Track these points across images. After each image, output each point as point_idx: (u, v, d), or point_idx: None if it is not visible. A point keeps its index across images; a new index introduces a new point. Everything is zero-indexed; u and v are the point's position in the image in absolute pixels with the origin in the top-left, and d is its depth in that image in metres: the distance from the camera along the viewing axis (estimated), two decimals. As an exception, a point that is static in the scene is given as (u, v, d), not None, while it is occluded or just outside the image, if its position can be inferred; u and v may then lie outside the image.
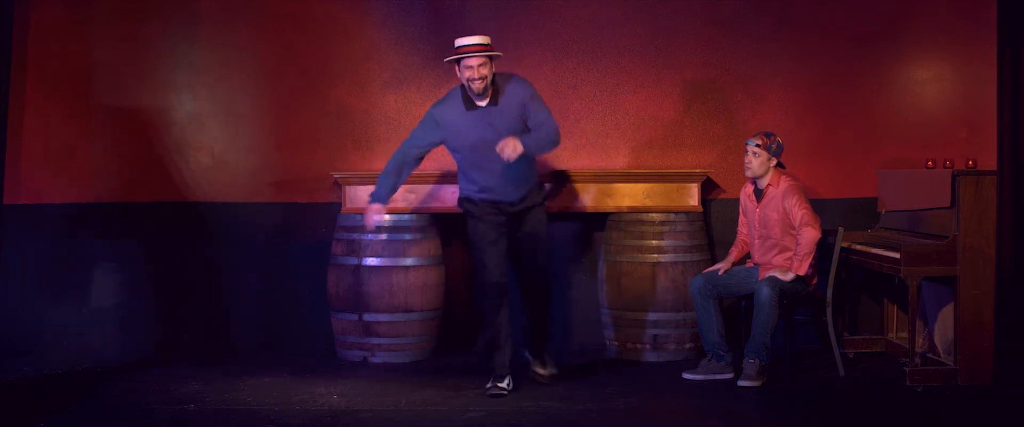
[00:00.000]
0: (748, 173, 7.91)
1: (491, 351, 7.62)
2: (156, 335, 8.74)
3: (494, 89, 7.48)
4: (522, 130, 7.47)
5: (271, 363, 8.33)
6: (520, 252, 7.75)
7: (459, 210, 8.62)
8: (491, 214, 7.59)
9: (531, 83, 7.62)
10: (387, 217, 8.45)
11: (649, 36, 8.98)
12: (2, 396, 7.52)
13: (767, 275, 7.73)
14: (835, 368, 7.96)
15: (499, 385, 7.50)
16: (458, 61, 7.40)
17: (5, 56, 8.05)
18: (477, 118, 7.47)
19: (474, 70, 7.36)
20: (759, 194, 7.94)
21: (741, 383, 7.64)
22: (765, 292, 7.62)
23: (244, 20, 8.91)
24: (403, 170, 7.68)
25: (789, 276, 7.68)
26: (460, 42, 7.40)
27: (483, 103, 7.47)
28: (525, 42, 8.97)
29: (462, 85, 7.50)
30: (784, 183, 7.85)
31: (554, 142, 7.50)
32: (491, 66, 7.42)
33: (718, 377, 7.82)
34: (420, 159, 7.72)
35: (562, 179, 8.64)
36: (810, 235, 7.69)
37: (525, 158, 7.40)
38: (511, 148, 7.22)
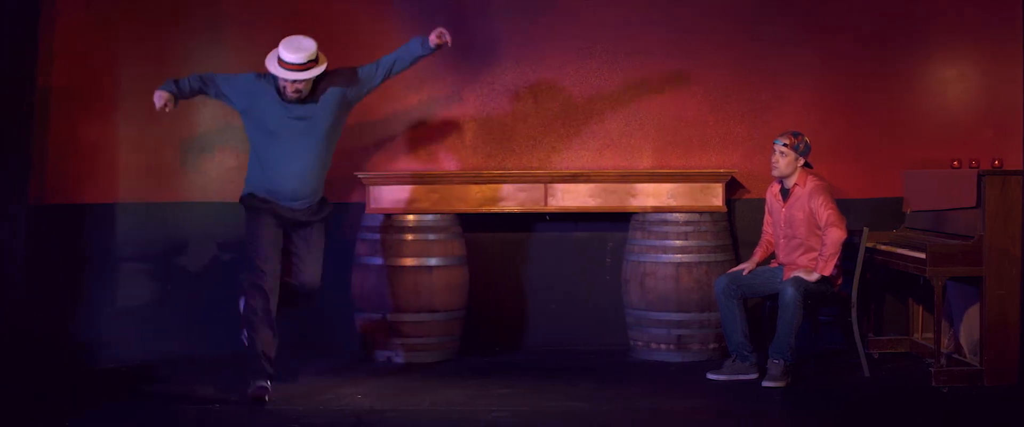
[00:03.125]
0: (775, 173, 7.90)
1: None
2: (182, 335, 8.76)
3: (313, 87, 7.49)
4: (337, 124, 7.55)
5: (296, 363, 8.34)
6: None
7: (483, 210, 8.65)
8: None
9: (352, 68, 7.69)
10: (411, 217, 8.47)
11: (673, 36, 8.97)
12: (30, 395, 7.56)
13: (792, 275, 7.71)
14: (860, 369, 7.93)
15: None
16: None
17: (31, 58, 8.09)
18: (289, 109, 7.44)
19: (290, 86, 7.36)
20: (785, 194, 7.93)
21: (766, 384, 7.63)
22: (790, 292, 7.60)
23: (267, 21, 8.92)
24: (193, 90, 7.55)
25: (814, 276, 7.67)
26: (285, 57, 7.31)
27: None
28: (549, 42, 8.97)
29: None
30: (811, 183, 7.83)
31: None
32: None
33: (742, 377, 7.81)
34: (202, 93, 7.60)
35: (586, 179, 8.64)
36: (836, 235, 7.67)
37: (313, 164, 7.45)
38: None
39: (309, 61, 7.33)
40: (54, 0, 8.35)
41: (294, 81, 7.31)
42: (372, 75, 7.70)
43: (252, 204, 7.46)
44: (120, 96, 8.70)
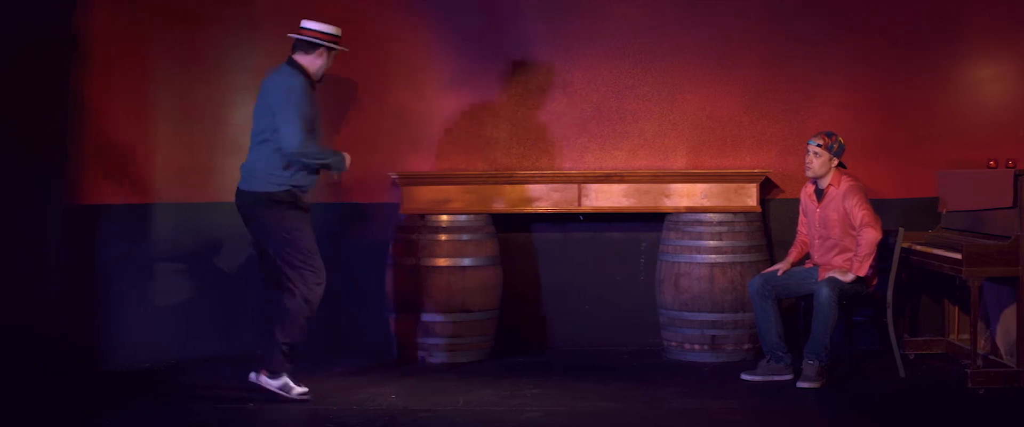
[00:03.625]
0: (809, 173, 7.87)
1: None
2: (217, 334, 8.80)
3: None
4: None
5: (330, 362, 8.37)
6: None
7: (517, 211, 8.66)
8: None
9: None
10: (444, 217, 8.49)
11: (707, 36, 8.95)
12: (67, 393, 7.61)
13: (827, 276, 7.68)
14: (895, 369, 7.89)
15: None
16: (329, 49, 7.44)
17: (66, 58, 8.14)
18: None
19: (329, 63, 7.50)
20: (820, 194, 7.90)
21: (800, 385, 7.60)
22: (825, 293, 7.57)
23: (299, 22, 8.94)
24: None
25: (849, 277, 7.64)
26: (330, 29, 7.46)
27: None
28: (581, 42, 8.96)
29: (300, 65, 7.45)
30: (845, 183, 7.80)
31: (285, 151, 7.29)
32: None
33: (777, 378, 7.78)
34: None
35: (619, 179, 8.63)
36: (871, 236, 7.64)
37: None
38: None
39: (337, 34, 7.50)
40: (88, 0, 8.39)
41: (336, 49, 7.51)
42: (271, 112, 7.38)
43: (294, 201, 7.43)
44: (154, 96, 8.73)
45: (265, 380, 7.33)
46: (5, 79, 7.62)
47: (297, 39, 7.46)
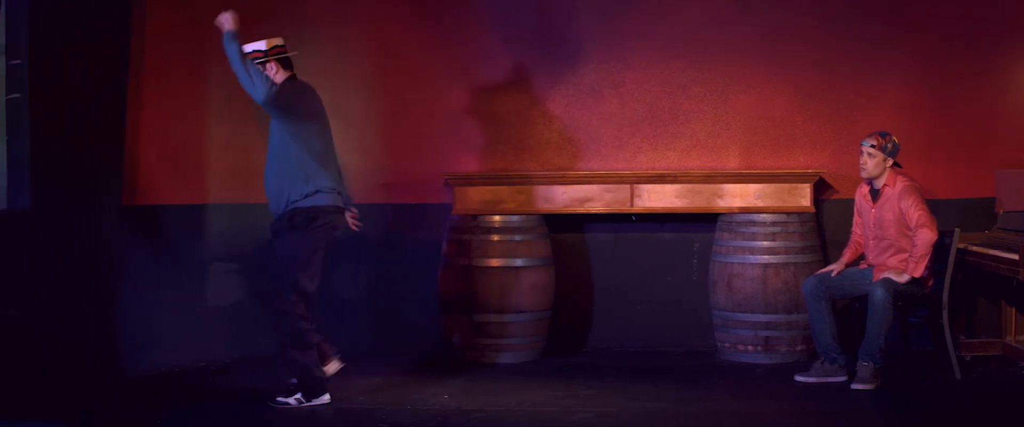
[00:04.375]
0: (863, 174, 7.82)
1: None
2: (270, 334, 8.83)
3: None
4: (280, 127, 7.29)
5: (383, 363, 8.40)
6: None
7: (569, 211, 8.66)
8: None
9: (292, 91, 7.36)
10: (497, 218, 8.50)
11: (759, 36, 8.91)
12: (121, 393, 7.67)
13: (882, 276, 7.62)
14: (951, 371, 7.82)
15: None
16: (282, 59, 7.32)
17: (123, 58, 8.20)
18: None
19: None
20: (875, 194, 7.84)
21: (855, 386, 7.55)
22: (880, 294, 7.52)
23: (353, 23, 8.99)
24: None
25: (904, 278, 7.58)
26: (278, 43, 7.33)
27: None
28: (633, 42, 8.95)
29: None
30: (900, 183, 7.75)
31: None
32: (263, 69, 7.29)
33: (831, 380, 7.73)
34: None
35: (672, 179, 8.61)
36: (926, 236, 7.58)
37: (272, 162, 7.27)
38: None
39: (247, 53, 7.24)
40: (143, 1, 8.46)
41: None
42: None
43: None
44: (209, 97, 8.78)
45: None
46: (61, 80, 7.69)
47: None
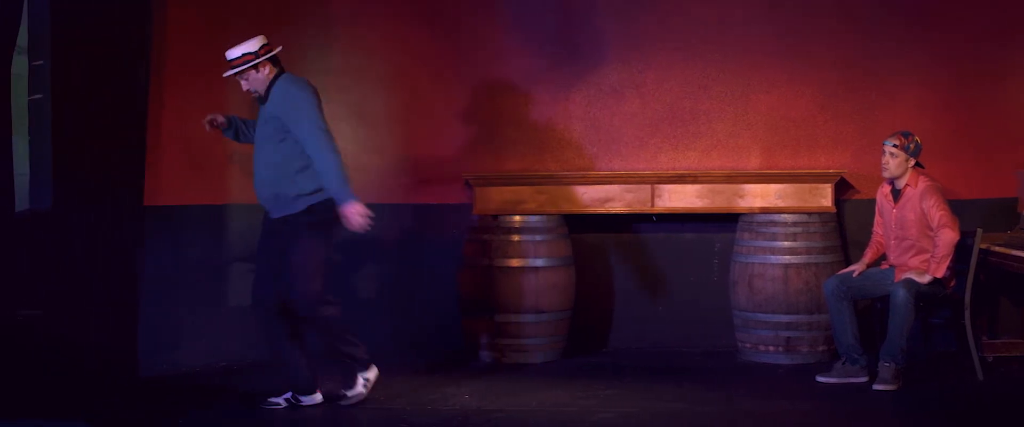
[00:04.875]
0: (885, 174, 7.79)
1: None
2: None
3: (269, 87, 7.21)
4: (280, 137, 7.11)
5: (403, 363, 8.40)
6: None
7: (589, 211, 8.65)
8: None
9: (304, 88, 7.16)
10: (517, 218, 8.50)
11: (781, 36, 8.89)
12: (143, 393, 7.69)
13: (903, 277, 7.60)
14: (973, 372, 7.79)
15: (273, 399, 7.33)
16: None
17: (144, 59, 8.23)
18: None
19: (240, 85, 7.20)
20: (896, 194, 7.82)
21: (876, 387, 7.53)
22: (901, 294, 7.49)
23: (374, 24, 9.00)
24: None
25: (926, 278, 7.55)
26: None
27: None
28: (654, 42, 8.93)
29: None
30: (922, 183, 7.72)
31: (324, 162, 6.98)
32: (257, 71, 7.13)
33: (852, 380, 7.71)
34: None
35: (693, 180, 8.59)
36: (948, 237, 7.55)
37: (269, 164, 7.11)
38: None
39: (235, 58, 7.11)
40: (165, 1, 8.48)
41: (227, 75, 7.19)
42: (292, 124, 7.11)
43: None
44: (230, 97, 8.80)
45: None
46: (83, 80, 7.71)
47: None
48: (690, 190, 8.62)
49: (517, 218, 8.55)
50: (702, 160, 8.92)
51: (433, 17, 9.00)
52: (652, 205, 8.66)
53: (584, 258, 8.88)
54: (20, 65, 7.50)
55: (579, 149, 8.97)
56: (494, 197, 8.62)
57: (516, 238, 8.51)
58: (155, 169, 8.41)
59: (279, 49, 7.28)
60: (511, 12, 8.99)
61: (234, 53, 7.13)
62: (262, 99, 7.19)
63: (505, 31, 8.98)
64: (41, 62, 7.59)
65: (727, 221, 8.77)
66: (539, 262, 8.50)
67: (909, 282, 7.54)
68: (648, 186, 8.63)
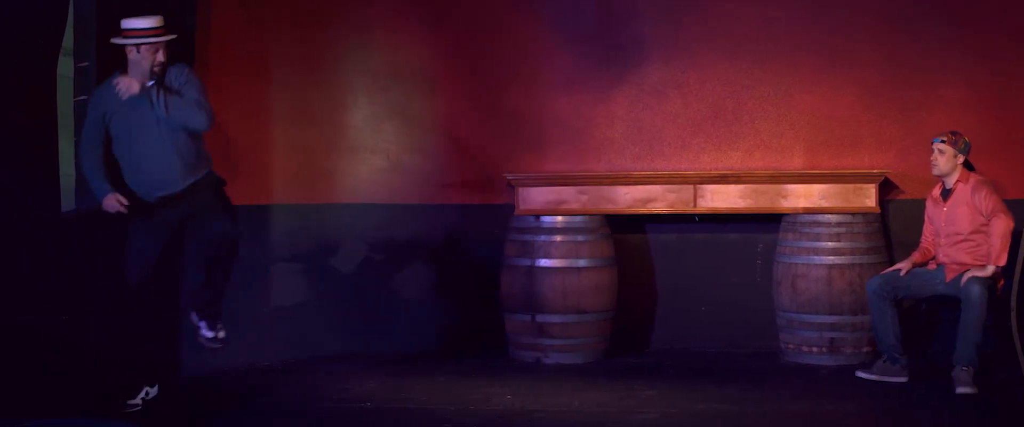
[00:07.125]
0: (935, 172, 7.75)
1: None
2: (334, 335, 8.88)
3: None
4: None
5: (445, 363, 8.41)
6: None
7: (632, 212, 8.63)
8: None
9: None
10: (559, 218, 8.49)
11: (824, 35, 8.84)
12: (185, 392, 7.73)
13: (970, 277, 7.49)
14: (1019, 374, 7.71)
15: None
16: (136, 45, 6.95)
17: (188, 60, 8.25)
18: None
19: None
20: (946, 194, 7.77)
21: (959, 390, 7.37)
22: (976, 291, 7.37)
23: (415, 25, 9.01)
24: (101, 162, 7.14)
25: (989, 270, 7.46)
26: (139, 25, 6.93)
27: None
28: (697, 42, 8.90)
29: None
30: (974, 178, 7.70)
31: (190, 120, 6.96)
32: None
33: (891, 380, 7.67)
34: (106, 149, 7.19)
35: (735, 180, 8.56)
36: (1004, 222, 7.48)
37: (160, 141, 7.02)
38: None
39: (160, 27, 6.96)
40: (210, 2, 8.51)
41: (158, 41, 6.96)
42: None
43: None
44: (273, 97, 8.84)
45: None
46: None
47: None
48: (733, 190, 8.59)
49: (559, 218, 8.55)
50: (745, 160, 8.89)
51: (473, 19, 9.00)
52: (694, 205, 8.63)
53: (626, 258, 8.86)
54: (65, 66, 7.54)
55: (621, 149, 8.96)
56: (536, 197, 8.62)
57: (558, 238, 8.50)
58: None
59: (172, 37, 7.15)
60: (553, 13, 8.98)
61: (133, 23, 6.94)
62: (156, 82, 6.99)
63: (547, 31, 8.97)
64: (86, 64, 7.62)
65: (770, 221, 8.73)
66: (581, 262, 8.49)
67: (979, 279, 7.45)
68: (691, 186, 8.61)
